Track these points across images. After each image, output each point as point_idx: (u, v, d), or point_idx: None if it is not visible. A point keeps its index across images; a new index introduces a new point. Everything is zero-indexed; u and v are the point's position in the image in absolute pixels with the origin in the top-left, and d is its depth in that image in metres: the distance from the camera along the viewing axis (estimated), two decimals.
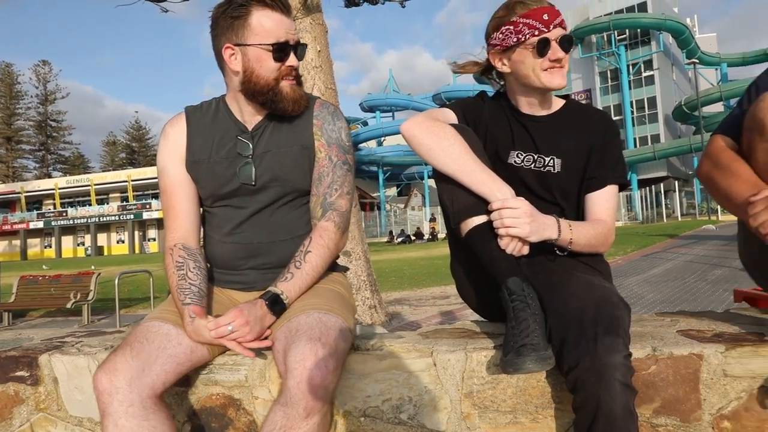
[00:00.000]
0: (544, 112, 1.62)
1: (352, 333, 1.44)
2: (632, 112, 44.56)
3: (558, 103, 1.65)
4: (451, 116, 1.59)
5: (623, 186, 1.60)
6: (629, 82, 44.25)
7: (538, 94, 1.59)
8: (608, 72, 45.75)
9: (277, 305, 1.40)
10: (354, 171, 1.64)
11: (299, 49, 1.51)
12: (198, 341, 1.39)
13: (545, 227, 1.40)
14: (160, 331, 1.38)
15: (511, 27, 1.50)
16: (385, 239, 32.88)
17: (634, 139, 43.89)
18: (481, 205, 1.41)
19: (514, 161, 1.60)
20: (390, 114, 48.84)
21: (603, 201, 1.56)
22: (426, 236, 30.70)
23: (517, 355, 1.20)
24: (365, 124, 49.84)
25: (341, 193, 1.56)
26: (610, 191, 1.56)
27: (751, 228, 1.26)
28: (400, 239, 30.59)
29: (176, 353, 1.35)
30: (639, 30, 43.24)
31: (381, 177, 45.89)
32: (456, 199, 1.44)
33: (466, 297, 1.70)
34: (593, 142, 1.58)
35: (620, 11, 44.38)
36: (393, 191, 51.47)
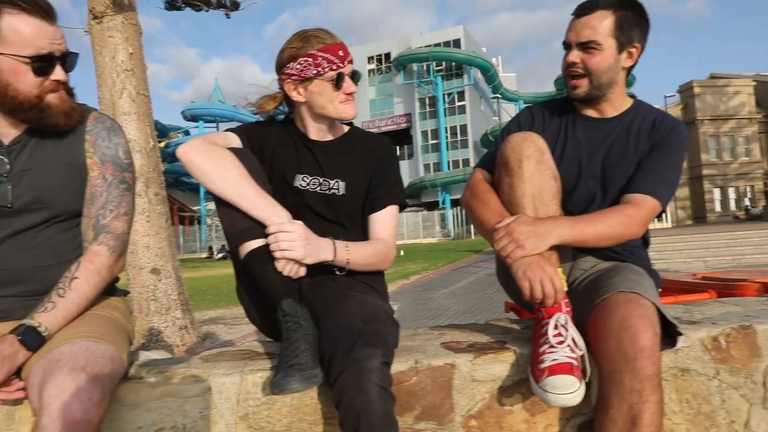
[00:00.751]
0: (330, 137, 1.71)
1: (125, 361, 1.35)
2: (447, 138, 48.49)
3: (342, 130, 1.75)
4: (233, 140, 1.60)
5: (402, 206, 1.74)
6: (445, 109, 48.17)
7: (329, 122, 1.68)
8: (427, 99, 49.32)
9: (32, 340, 1.25)
10: (134, 190, 1.55)
11: (69, 59, 1.39)
12: None
13: (321, 249, 1.46)
14: None
15: (310, 59, 1.56)
16: (205, 255, 31.44)
17: (448, 162, 47.75)
18: (259, 228, 1.43)
19: (300, 184, 1.65)
20: (214, 124, 47.07)
21: (383, 221, 1.68)
22: None
23: (284, 375, 1.23)
24: (187, 133, 47.36)
25: (117, 214, 1.46)
26: (390, 212, 1.69)
27: (495, 250, 1.46)
28: (220, 255, 29.46)
29: None
30: (454, 63, 47.37)
31: (202, 189, 43.82)
32: (234, 222, 1.45)
33: (252, 318, 1.70)
34: (374, 165, 1.70)
35: (438, 45, 48.22)
36: (214, 204, 49.43)
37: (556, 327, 1.35)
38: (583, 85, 1.64)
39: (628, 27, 1.62)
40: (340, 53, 1.58)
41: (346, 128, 1.77)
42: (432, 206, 43.78)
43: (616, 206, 1.55)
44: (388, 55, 51.07)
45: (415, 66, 48.70)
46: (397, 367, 1.40)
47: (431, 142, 49.16)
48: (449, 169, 46.63)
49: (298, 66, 1.58)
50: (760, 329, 1.58)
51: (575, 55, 1.62)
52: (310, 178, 1.66)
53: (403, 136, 50.38)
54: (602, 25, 1.59)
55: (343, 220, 1.68)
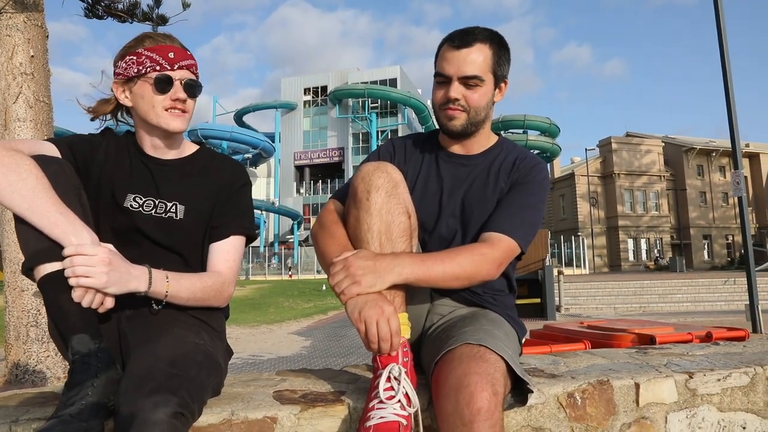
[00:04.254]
0: (171, 156, 1.52)
1: None
2: None
3: (190, 148, 1.57)
4: (47, 150, 1.37)
5: (250, 238, 1.55)
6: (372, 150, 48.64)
7: (162, 136, 1.49)
8: (360, 134, 49.74)
9: None
10: None
11: None
12: None
13: (131, 278, 1.25)
14: None
15: (135, 57, 1.41)
16: None
17: None
18: (57, 249, 1.21)
19: (131, 205, 1.44)
20: None
21: (223, 252, 1.49)
22: None
23: (45, 428, 1.01)
24: None
25: None
26: (233, 242, 1.50)
27: (330, 286, 1.30)
28: None
29: None
30: (389, 102, 48.20)
31: None
32: (29, 241, 1.22)
33: (64, 354, 1.45)
34: (220, 190, 1.52)
35: (375, 82, 49.01)
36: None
37: (388, 380, 1.19)
38: (461, 119, 1.53)
39: (503, 62, 1.56)
40: (171, 55, 1.42)
41: (195, 147, 1.58)
42: None
43: (469, 245, 1.45)
44: (324, 88, 51.33)
45: (350, 101, 49.12)
46: (208, 419, 1.19)
47: None
48: None
49: (124, 64, 1.42)
50: (617, 384, 1.49)
51: (457, 90, 1.51)
52: (144, 198, 1.46)
53: (335, 170, 50.43)
54: (482, 59, 1.51)
55: (180, 248, 1.48)
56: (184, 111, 1.44)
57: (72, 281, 1.17)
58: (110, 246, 1.25)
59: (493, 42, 1.54)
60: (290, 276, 34.69)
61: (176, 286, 1.33)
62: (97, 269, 1.18)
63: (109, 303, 1.24)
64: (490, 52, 1.52)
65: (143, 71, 1.39)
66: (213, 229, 1.49)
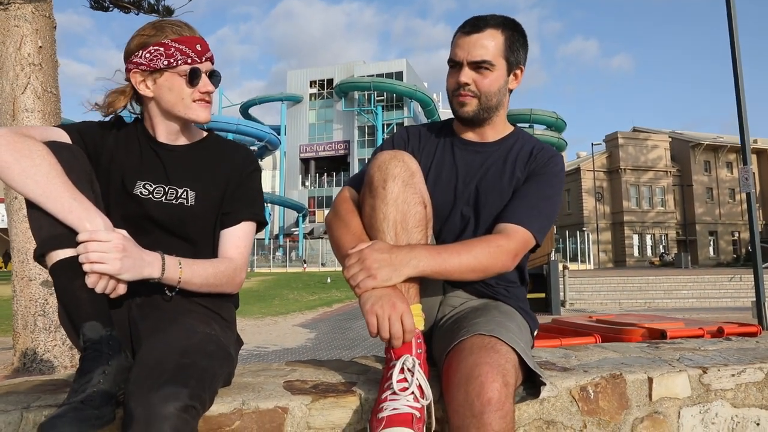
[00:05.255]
0: (182, 142, 1.51)
1: None
2: None
3: (199, 135, 1.56)
4: (59, 136, 1.36)
5: (261, 224, 1.55)
6: (384, 139, 48.51)
7: (182, 124, 1.49)
8: (366, 128, 49.65)
9: None
10: None
11: None
12: None
13: (144, 264, 1.24)
14: None
15: (162, 49, 1.39)
16: None
17: None
18: (70, 236, 1.20)
19: (140, 192, 1.43)
20: None
21: (235, 238, 1.48)
22: None
23: (55, 416, 1.00)
24: None
25: None
26: (244, 228, 1.50)
27: (345, 278, 1.29)
28: None
29: None
30: (395, 95, 48.05)
31: None
32: (42, 227, 1.22)
33: (75, 343, 1.45)
34: (230, 175, 1.51)
35: (381, 75, 48.84)
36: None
37: (402, 371, 1.18)
38: (472, 104, 1.53)
39: (516, 48, 1.54)
40: (198, 47, 1.42)
41: (204, 133, 1.57)
42: None
43: (485, 236, 1.43)
44: (330, 81, 51.19)
45: (356, 94, 48.99)
46: (219, 408, 1.19)
47: None
48: None
49: (148, 55, 1.39)
50: (630, 378, 1.47)
51: (467, 75, 1.51)
52: (154, 185, 1.45)
53: (341, 163, 50.40)
54: (494, 44, 1.51)
55: (191, 235, 1.47)
56: (209, 102, 1.46)
57: (86, 267, 1.17)
58: (124, 232, 1.25)
59: (506, 28, 1.53)
60: (304, 269, 34.91)
61: (189, 272, 1.32)
62: (111, 255, 1.18)
63: (122, 289, 1.23)
64: (503, 38, 1.51)
65: (174, 63, 1.38)
66: (224, 215, 1.49)
